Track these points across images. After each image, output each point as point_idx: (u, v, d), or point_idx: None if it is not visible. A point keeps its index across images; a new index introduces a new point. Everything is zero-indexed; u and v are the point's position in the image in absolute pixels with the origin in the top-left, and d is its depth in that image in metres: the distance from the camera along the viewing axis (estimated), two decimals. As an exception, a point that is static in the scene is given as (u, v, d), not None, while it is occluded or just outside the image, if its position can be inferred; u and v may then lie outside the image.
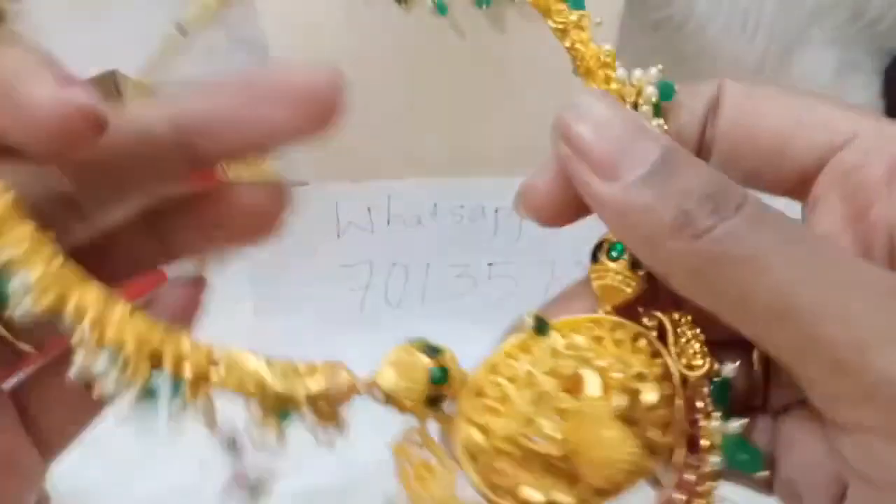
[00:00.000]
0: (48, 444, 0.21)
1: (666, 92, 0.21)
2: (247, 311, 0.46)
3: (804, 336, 0.16)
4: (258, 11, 0.42)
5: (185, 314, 0.22)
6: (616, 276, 0.20)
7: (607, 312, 0.20)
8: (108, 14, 0.48)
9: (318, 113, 0.19)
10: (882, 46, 0.58)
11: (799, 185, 0.20)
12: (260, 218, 0.22)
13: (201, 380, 0.16)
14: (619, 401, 0.18)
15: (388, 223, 0.45)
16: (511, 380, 0.19)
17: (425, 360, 0.18)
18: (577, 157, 0.18)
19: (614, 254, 0.20)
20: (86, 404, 0.21)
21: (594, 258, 0.20)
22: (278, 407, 0.17)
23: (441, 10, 0.40)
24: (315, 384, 0.17)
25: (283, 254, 0.45)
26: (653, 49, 0.55)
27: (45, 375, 0.21)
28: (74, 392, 0.20)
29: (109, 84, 0.41)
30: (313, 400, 0.17)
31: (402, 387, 0.18)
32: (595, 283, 0.20)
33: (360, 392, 0.18)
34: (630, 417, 0.18)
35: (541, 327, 0.19)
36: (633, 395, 0.18)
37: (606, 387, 0.18)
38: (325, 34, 0.42)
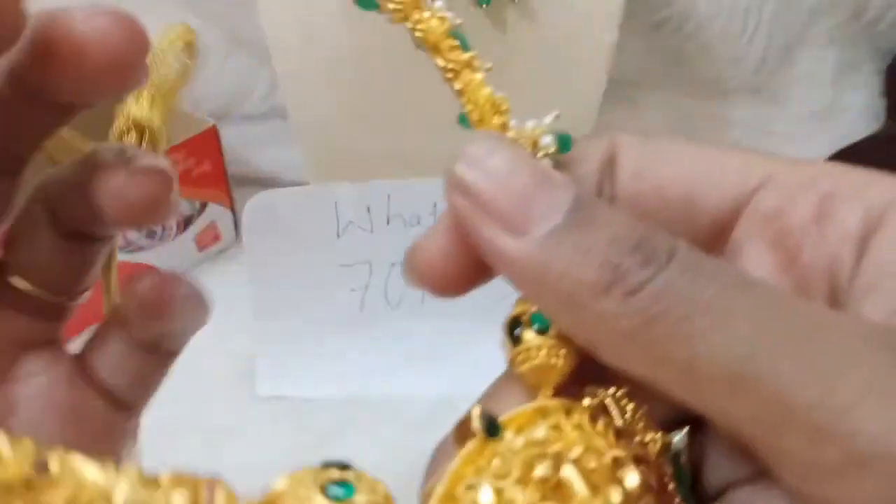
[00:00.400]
0: (123, 404, 0.22)
1: (564, 143, 0.18)
2: (246, 311, 0.46)
3: (772, 402, 0.14)
4: (258, 11, 0.42)
5: (156, 306, 0.22)
6: (546, 353, 0.17)
7: (548, 396, 0.17)
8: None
9: (109, 68, 0.17)
10: (882, 46, 0.58)
11: (713, 237, 0.18)
12: (143, 204, 0.20)
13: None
14: (616, 496, 0.15)
15: (388, 223, 0.45)
16: None
17: None
18: (476, 211, 0.16)
19: (536, 326, 0.17)
20: (148, 363, 0.22)
21: (513, 339, 0.17)
22: None
23: (441, 9, 0.40)
24: (179, 498, 0.13)
25: (282, 254, 0.45)
26: (652, 49, 0.55)
27: (103, 336, 0.22)
28: (134, 351, 0.22)
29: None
30: None
31: None
32: (523, 368, 0.17)
33: None
34: None
35: (492, 428, 0.16)
36: (619, 483, 0.16)
37: (588, 482, 0.15)
38: (325, 34, 0.42)
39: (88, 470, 0.13)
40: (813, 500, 0.15)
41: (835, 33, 0.57)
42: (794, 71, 0.57)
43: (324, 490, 0.14)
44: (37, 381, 0.21)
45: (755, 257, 0.18)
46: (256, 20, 0.43)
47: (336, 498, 0.14)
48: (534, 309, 0.17)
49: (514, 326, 0.18)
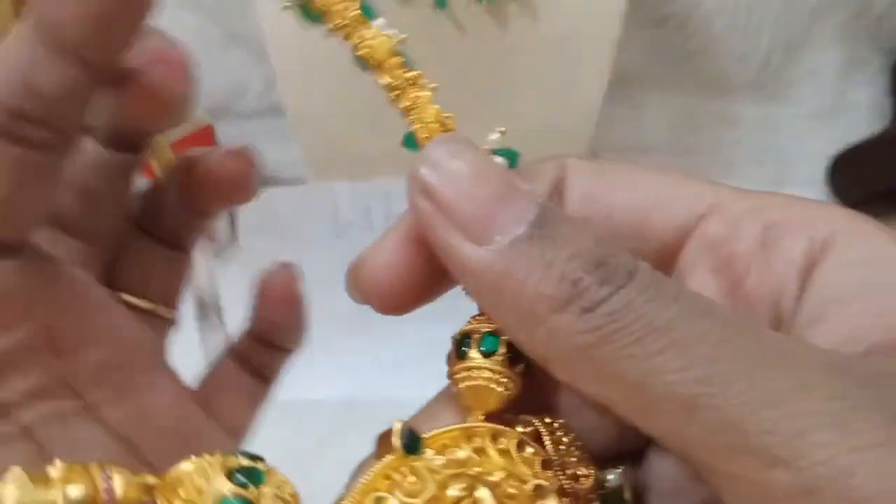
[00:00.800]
0: (230, 427, 0.24)
1: (511, 160, 0.18)
2: (244, 312, 0.45)
3: (725, 425, 0.14)
4: (255, 8, 0.42)
5: (236, 184, 0.23)
6: (489, 375, 0.17)
7: (480, 420, 0.17)
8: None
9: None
10: (885, 45, 0.58)
11: (659, 263, 0.18)
12: (231, 183, 0.22)
13: None
14: None
15: (388, 223, 0.45)
16: None
17: (223, 491, 0.14)
18: (438, 215, 0.16)
19: (484, 347, 0.17)
20: (252, 390, 0.25)
21: (459, 354, 0.17)
22: None
23: (440, 4, 0.39)
24: (75, 491, 0.13)
25: (280, 254, 0.45)
26: (655, 46, 0.55)
27: (216, 367, 0.25)
28: (241, 378, 0.24)
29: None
30: None
31: None
32: (462, 386, 0.17)
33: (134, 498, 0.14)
34: None
35: (412, 445, 0.16)
36: None
37: None
38: (323, 30, 0.42)
39: None
40: None
41: (839, 31, 0.56)
42: (798, 69, 0.57)
43: (230, 475, 0.14)
44: (167, 394, 0.22)
45: (700, 283, 0.17)
46: (253, 17, 0.42)
47: (241, 484, 0.14)
48: (486, 329, 0.17)
49: (462, 342, 0.17)
